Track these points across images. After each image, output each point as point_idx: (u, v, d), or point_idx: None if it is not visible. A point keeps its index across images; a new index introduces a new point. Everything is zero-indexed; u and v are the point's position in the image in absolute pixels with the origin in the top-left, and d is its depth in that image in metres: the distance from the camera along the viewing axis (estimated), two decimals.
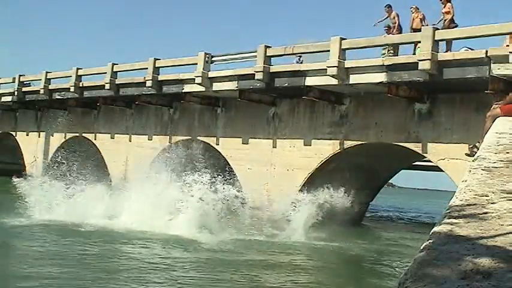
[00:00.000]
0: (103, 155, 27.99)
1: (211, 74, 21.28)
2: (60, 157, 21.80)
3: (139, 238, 14.08)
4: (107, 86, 25.36)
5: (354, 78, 17.16)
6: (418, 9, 17.16)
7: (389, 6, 17.70)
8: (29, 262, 10.71)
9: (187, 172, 16.80)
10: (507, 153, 3.84)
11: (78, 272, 10.15)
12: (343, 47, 17.35)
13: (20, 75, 31.89)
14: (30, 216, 15.83)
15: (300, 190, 19.38)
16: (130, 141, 26.65)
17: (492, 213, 2.62)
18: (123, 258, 11.73)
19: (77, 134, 29.67)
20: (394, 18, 17.71)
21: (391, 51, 17.19)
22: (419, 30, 16.23)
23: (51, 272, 9.96)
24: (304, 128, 19.99)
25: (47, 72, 29.62)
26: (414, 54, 16.18)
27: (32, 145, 32.78)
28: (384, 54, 17.44)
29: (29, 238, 13.33)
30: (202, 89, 21.50)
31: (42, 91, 29.49)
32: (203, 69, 21.13)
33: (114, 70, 25.44)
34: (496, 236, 2.30)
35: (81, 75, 27.52)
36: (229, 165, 22.44)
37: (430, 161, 18.70)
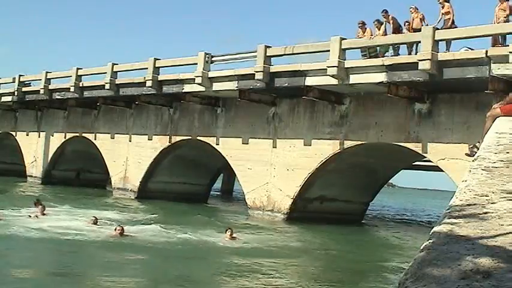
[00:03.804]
0: (103, 155, 28.00)
1: (211, 74, 21.28)
2: None
3: None
4: (107, 86, 25.36)
5: (354, 78, 17.16)
6: (417, 9, 17.15)
7: (386, 11, 17.70)
8: None
9: None
10: (507, 153, 3.84)
11: None
12: (343, 47, 17.35)
13: (20, 75, 31.91)
14: None
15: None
16: (130, 141, 26.65)
17: (492, 213, 2.62)
18: None
19: (77, 134, 29.68)
20: (391, 21, 17.68)
21: (373, 53, 17.27)
22: (419, 30, 16.23)
23: None
24: (304, 128, 20.00)
25: (47, 72, 29.64)
26: (410, 54, 16.29)
27: (32, 145, 32.79)
28: (365, 55, 17.48)
29: None
30: (202, 89, 21.50)
31: (42, 91, 29.51)
32: (203, 69, 21.13)
33: (114, 70, 25.44)
34: (496, 236, 2.30)
35: (81, 75, 27.53)
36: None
37: (430, 161, 18.71)
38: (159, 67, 23.40)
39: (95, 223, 15.56)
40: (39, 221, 15.23)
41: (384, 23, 17.67)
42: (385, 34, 17.41)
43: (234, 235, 14.78)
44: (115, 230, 13.94)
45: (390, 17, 17.60)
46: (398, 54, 17.12)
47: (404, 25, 17.32)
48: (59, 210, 18.25)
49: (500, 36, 14.80)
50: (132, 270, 10.88)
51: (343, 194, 21.19)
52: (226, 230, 14.88)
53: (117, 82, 25.38)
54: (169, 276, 10.56)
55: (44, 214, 16.40)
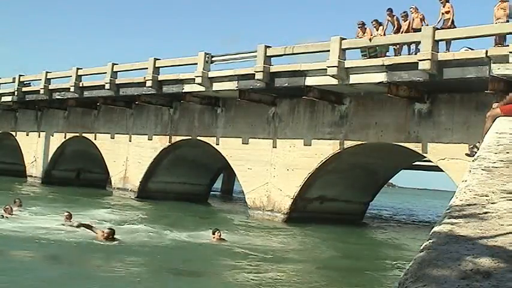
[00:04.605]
0: (103, 155, 28.00)
1: (211, 74, 21.28)
2: None
3: None
4: (107, 86, 25.36)
5: (354, 78, 17.16)
6: (417, 9, 17.16)
7: (391, 10, 17.68)
8: None
9: None
10: (507, 153, 3.84)
11: None
12: (343, 47, 17.35)
13: (20, 75, 31.92)
14: None
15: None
16: (130, 141, 26.66)
17: (492, 213, 2.62)
18: None
19: (77, 134, 29.68)
20: (395, 22, 17.67)
21: (373, 53, 17.28)
22: (419, 30, 16.24)
23: None
24: (304, 128, 20.00)
25: (47, 72, 29.64)
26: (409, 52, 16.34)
27: (32, 145, 32.79)
28: (365, 55, 17.48)
29: None
30: (202, 89, 21.51)
31: (42, 91, 29.51)
32: (203, 69, 21.13)
33: (114, 70, 25.45)
34: (496, 236, 2.30)
35: (81, 75, 27.53)
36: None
37: (430, 161, 18.71)
38: (159, 67, 23.41)
39: (68, 218, 14.52)
40: (5, 221, 14.35)
41: (387, 22, 17.66)
42: (384, 34, 17.42)
43: (223, 236, 14.16)
44: (102, 232, 12.84)
45: (395, 17, 17.58)
46: (399, 54, 17.10)
47: (401, 16, 17.30)
48: (43, 210, 17.53)
49: (500, 36, 14.79)
50: (104, 277, 9.78)
51: (343, 194, 21.20)
52: (214, 232, 14.14)
53: (117, 82, 25.38)
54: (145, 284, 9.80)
55: (11, 214, 15.38)
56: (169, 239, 14.16)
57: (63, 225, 14.42)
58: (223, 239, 14.12)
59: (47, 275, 9.76)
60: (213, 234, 14.12)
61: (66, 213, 14.95)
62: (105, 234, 12.73)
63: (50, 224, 14.66)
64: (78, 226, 13.73)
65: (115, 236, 12.93)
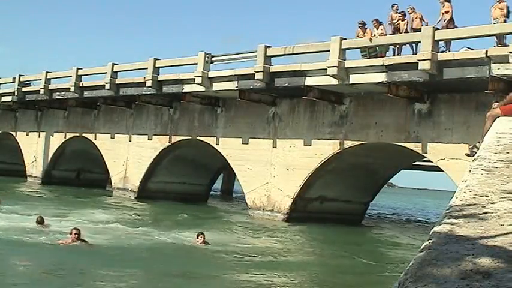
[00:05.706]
0: (103, 155, 28.00)
1: (211, 74, 21.28)
2: None
3: None
4: (107, 86, 25.36)
5: (354, 78, 17.16)
6: (414, 9, 17.14)
7: (397, 6, 17.61)
8: None
9: None
10: (507, 153, 3.84)
11: None
12: (343, 47, 17.35)
13: (20, 75, 31.92)
14: None
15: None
16: (130, 141, 26.66)
17: (492, 213, 2.62)
18: None
19: (77, 134, 29.68)
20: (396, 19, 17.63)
21: (373, 53, 17.26)
22: (419, 30, 16.23)
23: None
24: (304, 128, 20.00)
25: (47, 72, 29.64)
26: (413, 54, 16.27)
27: (32, 145, 32.79)
28: (364, 55, 17.46)
29: None
30: (202, 89, 21.51)
31: (42, 91, 29.52)
32: (203, 69, 21.13)
33: (114, 70, 25.44)
34: (496, 236, 2.30)
35: (81, 75, 27.53)
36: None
37: (430, 161, 18.71)
38: (159, 67, 23.41)
39: (41, 222, 14.22)
40: None
41: (388, 23, 17.62)
42: (384, 34, 17.40)
43: (207, 239, 13.67)
44: (70, 234, 12.17)
45: (398, 15, 17.49)
46: (400, 54, 17.08)
47: (400, 15, 17.27)
48: (23, 211, 17.07)
49: (502, 36, 14.78)
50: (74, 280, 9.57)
51: (343, 194, 21.19)
52: (198, 235, 13.67)
53: (117, 82, 25.38)
54: None
55: None
56: (154, 241, 13.84)
57: (38, 225, 14.18)
58: (207, 242, 13.67)
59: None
60: (197, 237, 13.69)
61: (38, 218, 14.57)
62: (75, 235, 12.11)
63: (25, 224, 14.25)
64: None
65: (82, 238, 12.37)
